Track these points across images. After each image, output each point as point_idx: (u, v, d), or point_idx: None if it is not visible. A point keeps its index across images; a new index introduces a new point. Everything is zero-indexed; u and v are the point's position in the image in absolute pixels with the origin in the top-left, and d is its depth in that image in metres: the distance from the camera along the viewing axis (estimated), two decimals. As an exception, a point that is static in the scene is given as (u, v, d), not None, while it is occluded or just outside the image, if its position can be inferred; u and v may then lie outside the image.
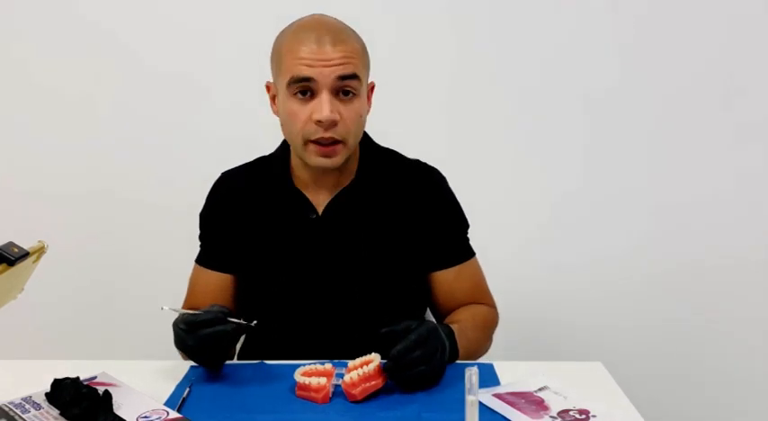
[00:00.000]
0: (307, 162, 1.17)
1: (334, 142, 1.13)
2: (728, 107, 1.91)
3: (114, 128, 1.95)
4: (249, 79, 1.89)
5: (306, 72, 1.10)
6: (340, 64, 1.10)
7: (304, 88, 1.11)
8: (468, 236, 1.31)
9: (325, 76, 1.10)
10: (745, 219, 1.95)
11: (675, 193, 1.95)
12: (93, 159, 1.96)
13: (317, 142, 1.13)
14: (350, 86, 1.12)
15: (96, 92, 1.93)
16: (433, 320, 1.27)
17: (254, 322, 1.08)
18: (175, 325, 1.08)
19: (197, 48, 1.91)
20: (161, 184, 1.95)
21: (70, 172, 1.96)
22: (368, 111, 1.20)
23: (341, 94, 1.12)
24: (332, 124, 1.11)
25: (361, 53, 1.15)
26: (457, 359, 1.12)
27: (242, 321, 1.06)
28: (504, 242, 1.89)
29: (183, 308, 1.28)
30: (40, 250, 0.91)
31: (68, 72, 1.92)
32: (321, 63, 1.09)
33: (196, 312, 1.06)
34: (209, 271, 1.28)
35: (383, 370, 1.01)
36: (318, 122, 1.11)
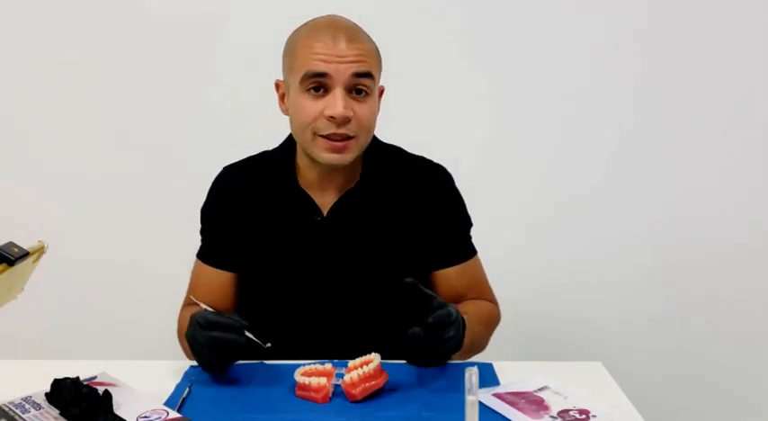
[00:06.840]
0: (315, 157, 1.16)
1: (346, 137, 1.12)
2: (729, 103, 1.91)
3: (114, 128, 1.95)
4: (249, 79, 1.90)
5: (321, 67, 1.09)
6: (355, 61, 1.10)
7: (318, 84, 1.11)
8: (471, 234, 1.30)
9: (340, 72, 1.10)
10: (746, 217, 1.96)
11: (676, 192, 1.95)
12: (93, 160, 1.96)
13: (327, 137, 1.12)
14: (364, 84, 1.12)
15: (96, 88, 1.93)
16: None
17: (268, 345, 1.06)
18: (193, 317, 1.07)
19: (199, 44, 1.91)
20: (161, 184, 1.95)
21: (70, 172, 1.96)
22: (377, 112, 1.20)
23: (354, 92, 1.12)
24: (345, 121, 1.11)
25: (375, 54, 1.16)
26: (460, 349, 1.09)
27: (257, 340, 1.04)
28: (504, 241, 1.88)
29: (184, 303, 1.28)
30: (40, 250, 0.91)
31: (67, 70, 1.92)
32: (336, 59, 1.09)
33: (219, 313, 1.05)
34: (211, 267, 1.27)
35: (409, 336, 0.98)
36: (331, 118, 1.10)
